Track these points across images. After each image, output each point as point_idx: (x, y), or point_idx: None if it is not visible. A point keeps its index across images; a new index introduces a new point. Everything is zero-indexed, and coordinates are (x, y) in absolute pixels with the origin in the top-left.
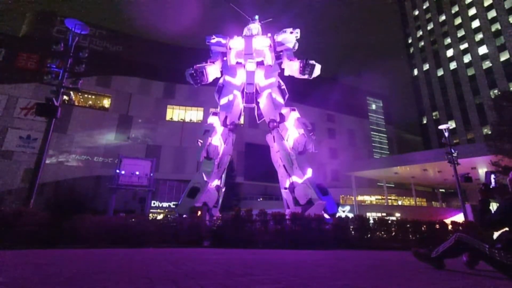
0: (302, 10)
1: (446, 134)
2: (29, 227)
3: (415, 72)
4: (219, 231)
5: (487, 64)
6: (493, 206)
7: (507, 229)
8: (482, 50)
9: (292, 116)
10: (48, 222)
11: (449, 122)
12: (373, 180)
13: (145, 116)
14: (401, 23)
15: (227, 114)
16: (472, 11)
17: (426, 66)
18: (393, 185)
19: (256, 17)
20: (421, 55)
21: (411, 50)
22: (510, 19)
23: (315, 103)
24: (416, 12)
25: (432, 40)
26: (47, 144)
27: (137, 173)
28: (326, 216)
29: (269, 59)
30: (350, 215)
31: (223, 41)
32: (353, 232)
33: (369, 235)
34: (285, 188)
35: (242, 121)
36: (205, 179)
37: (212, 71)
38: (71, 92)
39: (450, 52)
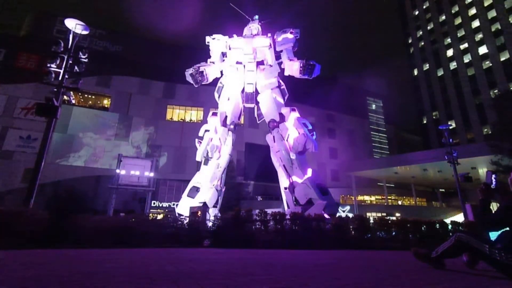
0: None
1: (446, 134)
2: (29, 227)
3: (415, 72)
4: (219, 231)
5: (487, 64)
6: (494, 206)
7: (507, 229)
8: (482, 50)
9: (292, 116)
10: (48, 222)
11: (449, 122)
12: (373, 180)
13: (145, 116)
14: (401, 23)
15: (227, 114)
16: (472, 11)
17: (426, 66)
18: (393, 185)
19: (256, 17)
20: (421, 55)
21: (411, 50)
22: (510, 19)
23: (315, 103)
24: (416, 12)
25: (432, 40)
26: (47, 144)
27: (137, 173)
28: (326, 216)
29: (269, 59)
30: (350, 215)
31: (223, 41)
32: (353, 232)
33: (369, 235)
34: (285, 188)
35: (242, 121)
36: (205, 179)
37: (212, 71)
38: (71, 92)
39: (450, 52)
